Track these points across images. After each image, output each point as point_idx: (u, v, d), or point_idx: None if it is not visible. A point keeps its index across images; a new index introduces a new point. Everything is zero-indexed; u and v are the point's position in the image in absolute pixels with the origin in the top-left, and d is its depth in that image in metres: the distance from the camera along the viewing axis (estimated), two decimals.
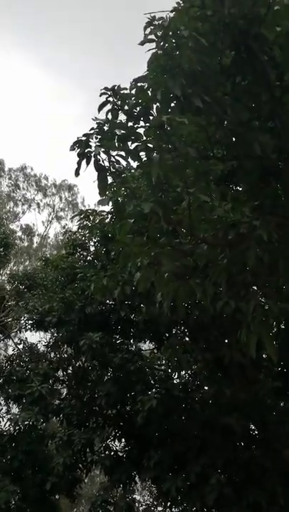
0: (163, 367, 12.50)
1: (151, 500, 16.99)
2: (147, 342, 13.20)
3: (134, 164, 7.08)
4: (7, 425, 14.28)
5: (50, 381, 13.70)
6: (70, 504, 16.47)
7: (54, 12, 47.68)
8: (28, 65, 49.26)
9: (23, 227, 28.35)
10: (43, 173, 30.04)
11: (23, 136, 47.01)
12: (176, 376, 12.06)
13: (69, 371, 14.20)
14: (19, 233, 26.57)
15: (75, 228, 15.52)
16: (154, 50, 6.42)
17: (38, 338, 16.04)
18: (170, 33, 5.92)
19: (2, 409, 15.72)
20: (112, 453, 12.36)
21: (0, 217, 18.99)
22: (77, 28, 48.36)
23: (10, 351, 17.91)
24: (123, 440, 12.54)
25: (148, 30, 6.05)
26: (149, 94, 6.58)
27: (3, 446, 13.82)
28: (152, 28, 6.02)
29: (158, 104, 6.60)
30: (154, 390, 11.34)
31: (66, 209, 29.90)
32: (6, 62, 47.82)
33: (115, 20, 45.89)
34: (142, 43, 6.18)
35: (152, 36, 6.12)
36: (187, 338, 11.80)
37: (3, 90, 47.20)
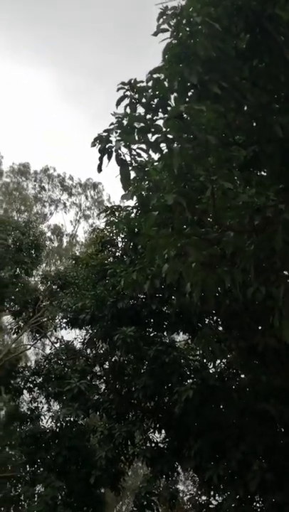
0: (197, 357, 12.49)
1: (194, 489, 17.05)
2: (180, 333, 13.21)
3: (156, 157, 7.13)
4: (49, 422, 14.57)
5: (88, 377, 13.91)
6: (115, 497, 16.69)
7: (61, 11, 47.73)
8: (39, 64, 49.55)
9: (52, 227, 28.77)
10: (66, 174, 30.36)
11: (42, 138, 47.47)
12: (211, 366, 12.05)
13: (105, 366, 14.36)
14: (48, 234, 26.97)
15: (102, 225, 15.68)
16: (168, 40, 6.43)
17: (73, 335, 16.30)
18: (183, 21, 5.88)
19: (43, 407, 16.04)
20: (153, 445, 12.46)
21: (29, 220, 19.30)
22: (86, 25, 48.31)
23: (47, 350, 18.27)
24: (163, 431, 12.61)
25: (161, 21, 6.03)
26: (166, 85, 6.57)
27: (47, 443, 14.12)
28: (165, 17, 5.99)
29: (175, 94, 6.59)
30: (189, 380, 11.35)
31: (92, 207, 30.16)
32: (17, 63, 48.19)
33: (125, 14, 45.72)
34: (156, 34, 6.16)
35: (165, 26, 6.10)
36: (220, 328, 11.77)
37: (16, 92, 47.58)
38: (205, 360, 11.89)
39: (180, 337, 13.69)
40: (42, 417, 15.72)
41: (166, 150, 6.48)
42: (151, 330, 12.93)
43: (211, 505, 12.01)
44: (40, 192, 29.60)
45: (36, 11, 47.76)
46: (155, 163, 9.73)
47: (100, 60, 48.34)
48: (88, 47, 49.50)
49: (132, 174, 6.66)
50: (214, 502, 12.02)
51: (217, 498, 11.39)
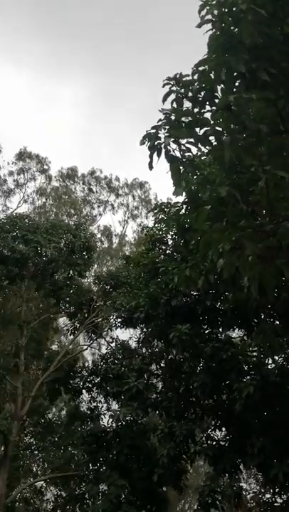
0: (255, 353, 12.24)
1: (258, 487, 16.75)
2: (236, 329, 12.99)
3: (205, 151, 7.02)
4: (109, 422, 14.72)
5: (145, 376, 13.95)
6: (178, 496, 16.67)
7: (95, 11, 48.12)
8: (77, 68, 50.21)
9: (102, 229, 29.12)
10: (113, 175, 30.64)
11: (85, 141, 48.12)
12: (270, 361, 11.78)
13: (162, 365, 14.36)
14: (98, 235, 27.31)
15: (151, 224, 15.68)
16: (211, 32, 6.31)
17: (128, 335, 16.41)
18: (228, 10, 5.75)
19: (102, 406, 16.23)
20: (214, 442, 12.32)
21: (80, 223, 19.61)
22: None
23: (103, 350, 18.49)
24: (223, 429, 12.46)
25: (204, 11, 5.92)
26: (212, 76, 6.45)
27: (108, 442, 14.27)
28: (208, 8, 5.88)
29: (222, 85, 6.45)
30: (248, 377, 11.14)
31: (140, 207, 30.26)
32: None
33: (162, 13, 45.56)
34: (200, 25, 6.05)
35: (209, 16, 5.99)
36: (277, 322, 11.47)
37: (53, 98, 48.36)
38: (263, 356, 11.63)
39: (235, 333, 13.48)
40: (102, 417, 15.91)
41: (215, 143, 6.39)
42: (206, 327, 12.80)
43: (276, 504, 11.74)
44: (89, 194, 30.04)
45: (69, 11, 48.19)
46: (203, 157, 9.65)
47: (139, 61, 48.46)
48: (125, 48, 49.71)
49: (182, 170, 6.63)
50: (279, 500, 11.75)
51: (283, 496, 11.12)
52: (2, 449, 16.50)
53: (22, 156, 27.96)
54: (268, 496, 12.69)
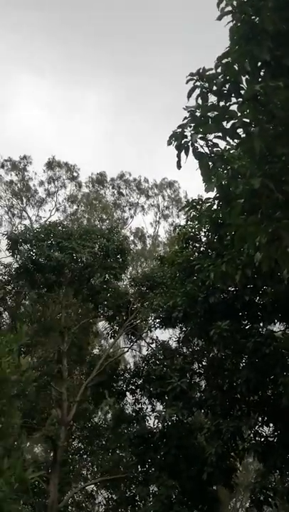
0: None
1: None
2: (277, 323, 12.77)
3: (233, 144, 6.92)
4: (155, 423, 14.72)
5: (188, 375, 13.88)
6: (229, 494, 16.49)
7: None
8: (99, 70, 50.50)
9: (134, 231, 29.20)
10: (141, 177, 30.70)
11: (111, 144, 48.37)
12: None
13: (204, 363, 14.26)
14: (131, 238, 27.39)
15: (183, 223, 15.60)
16: (231, 24, 6.23)
17: (167, 335, 16.38)
18: (246, 0, 5.67)
19: (147, 407, 16.25)
20: (262, 439, 12.14)
21: (112, 226, 19.72)
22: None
23: (144, 351, 18.51)
24: (271, 425, 12.26)
25: (224, 3, 5.85)
26: (236, 68, 6.36)
27: (155, 443, 14.28)
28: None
29: (247, 76, 6.36)
30: None
31: (170, 206, 30.20)
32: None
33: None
34: (220, 18, 5.99)
35: (228, 8, 5.92)
36: None
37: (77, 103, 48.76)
38: None
39: (276, 327, 13.24)
40: (147, 418, 15.93)
41: (244, 135, 6.30)
42: (246, 322, 12.64)
43: None
44: (119, 198, 30.20)
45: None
46: (232, 151, 9.52)
47: (159, 62, 48.41)
48: (143, 48, 49.70)
49: (211, 165, 6.56)
50: None
51: None
52: (51, 454, 16.73)
53: (51, 165, 28.37)
54: None
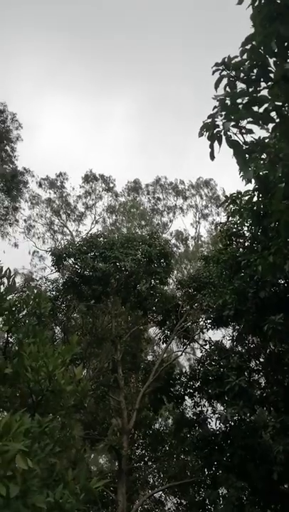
0: None
1: None
2: None
3: (266, 133, 6.70)
4: (217, 424, 14.46)
5: (246, 373, 13.57)
6: None
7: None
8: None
9: (175, 234, 29.08)
10: (177, 179, 30.60)
11: (148, 154, 48.47)
12: None
13: (261, 359, 13.90)
14: (173, 241, 27.28)
15: (224, 220, 15.35)
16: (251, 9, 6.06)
17: (220, 334, 16.12)
18: None
19: (207, 409, 15.99)
20: None
21: (152, 231, 19.68)
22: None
23: (198, 354, 18.28)
24: None
25: None
26: (262, 51, 6.18)
27: (220, 444, 13.99)
28: None
29: (274, 58, 6.16)
30: None
31: (209, 205, 29.91)
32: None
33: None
34: (240, 2, 5.83)
35: None
36: None
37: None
38: None
39: None
40: (209, 420, 15.66)
41: (277, 119, 6.09)
42: None
43: None
44: (156, 203, 30.20)
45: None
46: (266, 140, 9.26)
47: (182, 66, 48.31)
48: (164, 54, 49.73)
49: (247, 155, 6.38)
50: None
51: None
52: (116, 464, 16.75)
53: (88, 178, 28.72)
54: None
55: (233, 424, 13.66)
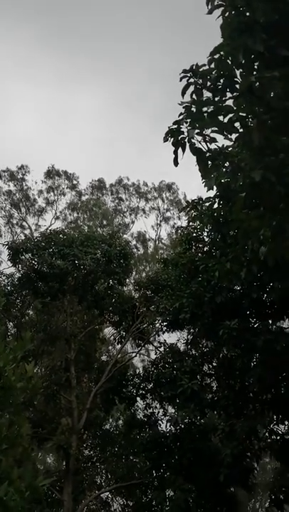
0: None
1: None
2: (286, 320, 12.62)
3: (229, 142, 6.81)
4: (167, 426, 14.56)
5: (198, 377, 13.74)
6: (247, 494, 16.30)
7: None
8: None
9: (136, 235, 29.13)
10: (139, 180, 30.66)
11: (111, 152, 48.39)
12: None
13: (214, 364, 14.11)
14: (134, 242, 27.32)
15: (184, 224, 15.50)
16: (222, 19, 6.15)
17: (176, 337, 16.26)
18: None
19: (159, 411, 16.08)
20: (278, 437, 11.98)
21: (113, 231, 19.63)
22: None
23: (152, 355, 18.37)
24: (286, 422, 12.09)
25: None
26: (229, 62, 6.29)
27: (169, 447, 14.11)
28: None
29: (241, 69, 6.28)
30: None
31: (171, 208, 30.14)
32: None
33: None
34: (210, 12, 5.91)
35: (219, 1, 5.85)
36: None
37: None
38: None
39: (286, 323, 13.10)
40: (159, 422, 15.76)
41: (241, 129, 6.20)
42: (254, 320, 12.50)
43: None
44: (119, 203, 30.17)
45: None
46: (230, 149, 9.43)
47: (146, 61, 48.38)
48: (135, 51, 49.75)
49: (210, 163, 6.48)
50: None
51: None
52: (64, 463, 16.57)
53: (50, 174, 28.36)
54: None
55: (183, 426, 13.81)
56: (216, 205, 11.33)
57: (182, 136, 6.18)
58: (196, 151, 6.15)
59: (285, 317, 12.19)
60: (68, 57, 49.87)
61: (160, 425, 15.72)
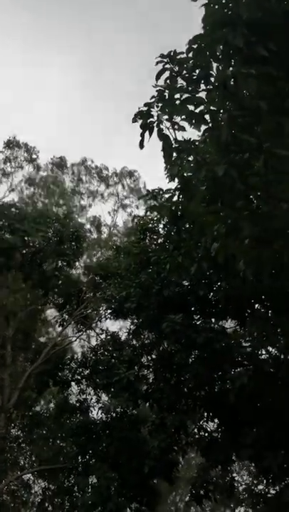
0: (248, 343, 12.06)
1: (250, 479, 16.68)
2: (229, 320, 12.79)
3: (197, 135, 6.74)
4: (99, 414, 14.50)
5: (136, 367, 13.71)
6: (169, 487, 16.55)
7: None
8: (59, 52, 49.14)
9: (91, 219, 28.66)
10: (103, 164, 30.15)
11: (78, 131, 47.43)
12: (263, 352, 11.60)
13: (153, 356, 14.13)
14: (88, 226, 26.89)
15: (142, 213, 15.38)
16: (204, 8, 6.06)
17: (118, 326, 16.17)
18: None
19: (92, 398, 15.99)
20: (207, 434, 12.15)
21: (68, 212, 19.26)
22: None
23: (93, 342, 18.22)
24: (216, 420, 12.28)
25: None
26: (207, 53, 6.19)
27: (98, 434, 14.08)
28: None
29: (218, 63, 6.20)
30: (242, 367, 10.96)
31: (130, 196, 29.82)
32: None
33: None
34: None
35: None
36: (271, 311, 11.29)
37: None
38: (257, 346, 11.45)
39: (228, 323, 13.29)
40: (91, 409, 15.68)
41: (211, 122, 6.13)
42: (198, 317, 12.57)
43: (268, 495, 11.64)
44: (78, 184, 29.56)
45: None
46: (196, 143, 9.38)
47: (123, 42, 47.57)
48: (108, 28, 48.62)
49: (175, 154, 6.39)
50: (272, 491, 11.65)
51: (276, 487, 11.00)
52: None
53: (10, 144, 27.35)
54: (260, 487, 12.57)
55: (114, 415, 13.80)
56: (175, 198, 11.24)
57: (151, 119, 6.06)
58: (163, 136, 6.04)
59: (228, 317, 12.33)
60: (38, 26, 48.20)
61: (92, 412, 15.66)
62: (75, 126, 45.70)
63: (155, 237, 13.80)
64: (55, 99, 46.50)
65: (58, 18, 48.44)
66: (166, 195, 11.93)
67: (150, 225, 13.64)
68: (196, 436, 12.18)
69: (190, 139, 7.06)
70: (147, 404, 13.38)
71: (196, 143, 9.44)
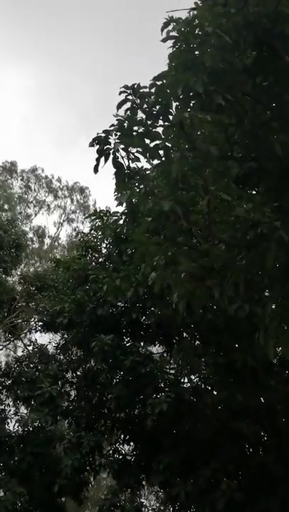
0: (173, 371, 12.37)
1: (157, 504, 16.81)
2: (157, 345, 13.08)
3: (149, 166, 7.06)
4: (15, 426, 14.19)
5: (60, 383, 13.64)
6: (77, 507, 16.33)
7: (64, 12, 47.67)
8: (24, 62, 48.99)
9: (35, 228, 28.39)
10: (54, 175, 30.11)
11: (32, 137, 47.06)
12: (186, 380, 11.93)
13: (78, 373, 14.11)
14: (30, 235, 26.60)
15: (86, 230, 15.50)
16: (170, 50, 6.42)
17: (47, 339, 16.01)
18: (194, 30, 5.88)
19: (10, 410, 15.63)
20: (121, 456, 12.23)
21: (12, 219, 19.01)
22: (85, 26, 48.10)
23: (19, 352, 17.90)
24: (132, 444, 12.40)
25: (171, 27, 6.02)
26: (169, 92, 6.54)
27: (11, 447, 13.75)
28: (175, 24, 5.99)
29: (177, 103, 6.56)
30: (163, 393, 11.20)
31: (78, 211, 29.90)
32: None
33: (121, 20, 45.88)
34: (165, 40, 6.14)
35: (174, 33, 6.09)
36: (198, 342, 11.68)
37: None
38: (180, 374, 11.76)
39: (155, 349, 13.56)
40: (8, 420, 15.29)
41: (164, 157, 6.45)
42: (128, 339, 12.75)
43: None
44: (26, 192, 29.29)
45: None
46: (148, 172, 9.72)
47: (88, 60, 48.19)
48: (78, 46, 49.23)
49: (127, 180, 6.65)
50: None
51: None
52: None
53: None
54: None
55: (31, 429, 13.56)
56: (121, 221, 11.53)
57: (108, 146, 6.29)
58: (117, 164, 6.28)
59: (157, 342, 12.61)
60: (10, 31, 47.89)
61: (8, 424, 15.26)
62: (31, 134, 45.39)
63: (96, 255, 13.95)
64: (14, 103, 46.07)
65: (15, 24, 48.28)
66: (113, 218, 12.25)
67: (93, 243, 13.79)
68: (110, 458, 12.22)
69: (142, 167, 7.37)
70: (66, 421, 13.32)
71: (148, 171, 9.83)
